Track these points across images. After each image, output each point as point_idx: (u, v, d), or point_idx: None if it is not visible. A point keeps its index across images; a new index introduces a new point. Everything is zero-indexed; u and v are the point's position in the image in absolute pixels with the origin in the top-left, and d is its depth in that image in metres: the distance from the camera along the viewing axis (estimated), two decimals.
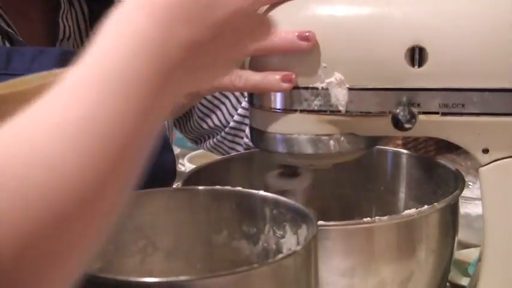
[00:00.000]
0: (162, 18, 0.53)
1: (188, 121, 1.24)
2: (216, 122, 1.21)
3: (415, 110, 0.79)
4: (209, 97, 1.19)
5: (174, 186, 1.09)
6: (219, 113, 1.21)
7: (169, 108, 0.54)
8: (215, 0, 0.56)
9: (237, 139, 1.22)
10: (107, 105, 0.48)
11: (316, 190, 0.98)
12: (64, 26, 1.04)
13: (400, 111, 0.78)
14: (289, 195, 0.79)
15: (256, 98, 0.84)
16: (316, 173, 0.92)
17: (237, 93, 1.20)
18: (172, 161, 1.09)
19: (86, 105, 0.48)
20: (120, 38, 0.52)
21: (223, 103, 1.20)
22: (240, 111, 1.20)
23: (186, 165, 1.80)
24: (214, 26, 0.56)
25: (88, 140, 0.47)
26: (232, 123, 1.21)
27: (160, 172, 1.05)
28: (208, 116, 1.21)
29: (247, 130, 1.19)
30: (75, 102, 0.48)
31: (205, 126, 1.22)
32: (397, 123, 0.78)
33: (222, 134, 1.22)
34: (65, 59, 0.90)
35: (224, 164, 0.98)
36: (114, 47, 0.51)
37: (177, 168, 1.83)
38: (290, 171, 0.89)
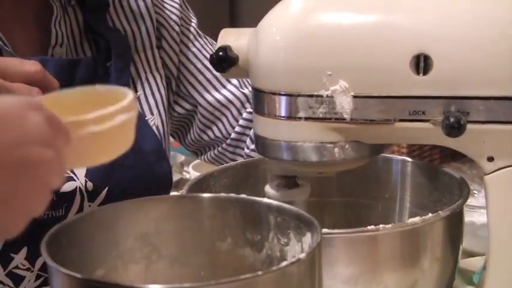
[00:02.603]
0: None
1: (188, 133, 1.22)
2: (217, 133, 1.20)
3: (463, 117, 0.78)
4: (210, 108, 1.18)
5: (178, 193, 1.09)
6: (220, 124, 1.19)
7: None
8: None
9: (238, 150, 1.20)
10: None
11: (320, 198, 0.98)
12: (56, 32, 1.03)
13: (450, 117, 0.77)
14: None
15: (261, 106, 0.84)
16: (320, 181, 0.92)
17: (238, 104, 1.18)
18: (168, 171, 1.08)
19: None
20: None
21: (225, 114, 1.18)
22: (241, 122, 1.19)
23: (190, 173, 1.80)
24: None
25: None
26: (233, 135, 1.19)
27: (154, 183, 1.05)
28: (209, 127, 1.19)
29: (249, 141, 1.18)
30: None
31: (206, 137, 1.20)
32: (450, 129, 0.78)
33: (223, 145, 1.20)
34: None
35: (228, 172, 0.98)
36: None
37: (182, 176, 1.84)
38: (289, 182, 0.89)
